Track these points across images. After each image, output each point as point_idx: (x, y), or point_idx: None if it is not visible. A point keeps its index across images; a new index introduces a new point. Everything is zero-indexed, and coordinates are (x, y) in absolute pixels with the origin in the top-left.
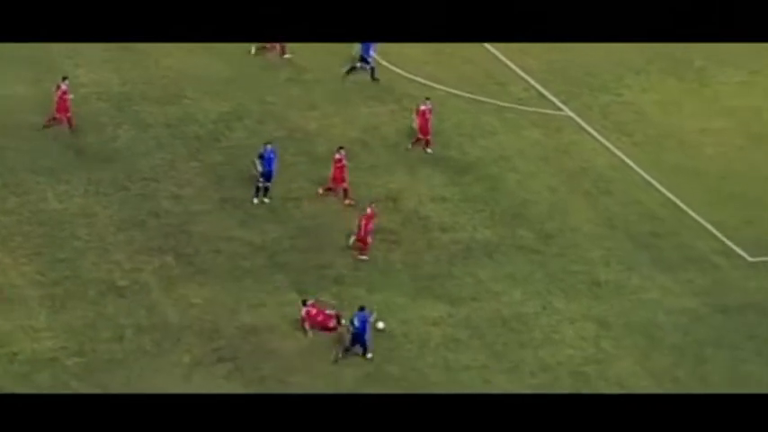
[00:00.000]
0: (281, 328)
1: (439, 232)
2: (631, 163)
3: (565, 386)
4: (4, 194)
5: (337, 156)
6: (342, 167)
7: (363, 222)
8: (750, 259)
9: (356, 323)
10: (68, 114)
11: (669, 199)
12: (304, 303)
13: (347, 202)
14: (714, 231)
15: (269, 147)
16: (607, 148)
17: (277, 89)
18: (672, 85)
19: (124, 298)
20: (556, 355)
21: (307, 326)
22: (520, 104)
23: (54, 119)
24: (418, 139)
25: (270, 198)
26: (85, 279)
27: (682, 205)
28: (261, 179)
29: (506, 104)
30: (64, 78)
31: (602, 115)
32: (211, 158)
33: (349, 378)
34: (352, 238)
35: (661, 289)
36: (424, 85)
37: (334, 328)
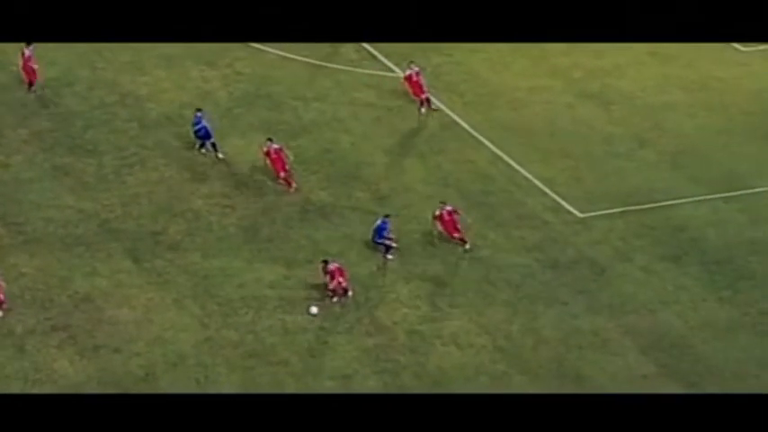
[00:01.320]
0: (116, 296)
1: (274, 195)
2: (462, 122)
3: (401, 346)
4: None
5: (266, 148)
6: (278, 158)
7: (445, 224)
8: (579, 215)
9: (378, 222)
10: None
11: (500, 157)
12: (326, 263)
13: (293, 186)
14: (544, 188)
15: (198, 114)
16: (438, 109)
17: (106, 54)
18: (501, 45)
19: None
20: (391, 315)
21: (332, 284)
22: (352, 66)
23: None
24: (422, 102)
25: (223, 154)
26: None
27: (512, 163)
28: (205, 142)
29: (339, 67)
30: (28, 43)
31: (434, 76)
32: (40, 125)
33: (187, 344)
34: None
35: (493, 246)
36: (257, 49)
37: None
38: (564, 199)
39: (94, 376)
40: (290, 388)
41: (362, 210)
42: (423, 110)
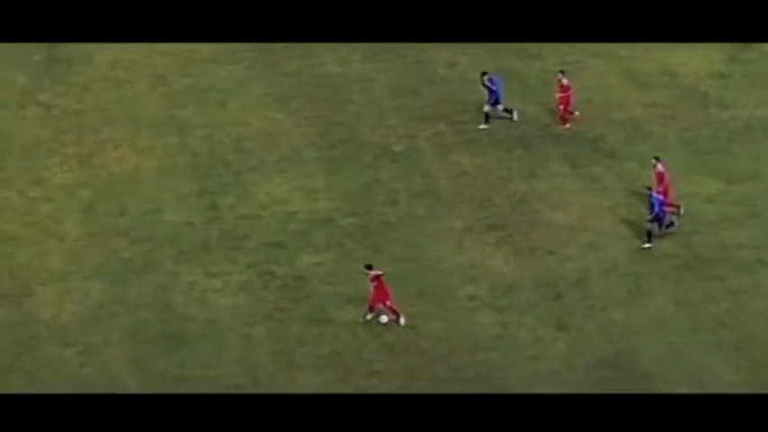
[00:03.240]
0: (552, 199)
1: (717, 108)
2: None
3: None
4: (286, 57)
5: (565, 81)
6: (567, 96)
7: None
8: None
9: (656, 208)
10: None
11: None
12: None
13: (568, 124)
14: None
15: (493, 77)
16: None
17: None
18: None
19: (398, 163)
20: None
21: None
22: None
23: None
24: None
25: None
26: (361, 143)
27: None
28: (492, 106)
29: None
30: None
31: None
32: None
33: (621, 252)
34: None
35: None
36: None
37: None
38: None
39: (528, 276)
40: (723, 305)
41: None
42: None
